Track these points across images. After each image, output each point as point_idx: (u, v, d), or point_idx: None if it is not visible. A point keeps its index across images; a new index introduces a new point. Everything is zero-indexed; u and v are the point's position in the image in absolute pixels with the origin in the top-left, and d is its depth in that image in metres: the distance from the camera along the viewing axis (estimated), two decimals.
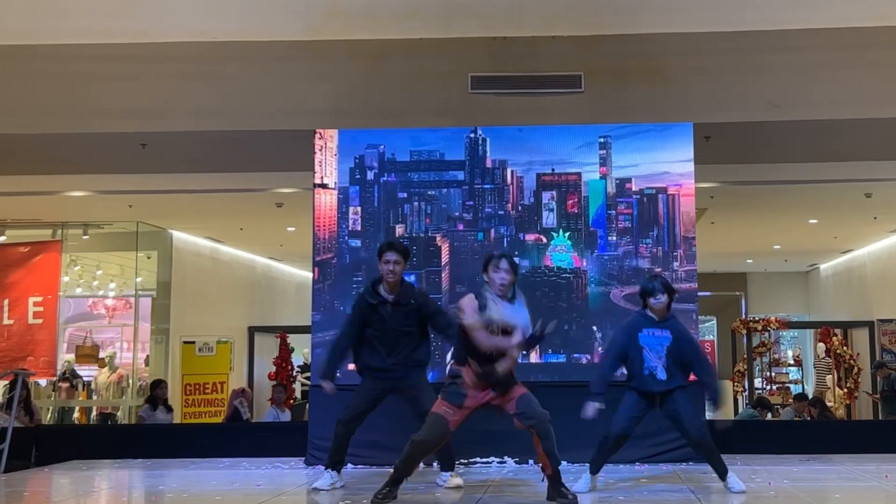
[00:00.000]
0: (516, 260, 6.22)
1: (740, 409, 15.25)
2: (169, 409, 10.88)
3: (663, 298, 6.26)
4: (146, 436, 9.36)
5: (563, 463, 7.49)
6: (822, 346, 16.68)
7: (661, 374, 6.19)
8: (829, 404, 13.53)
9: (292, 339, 15.08)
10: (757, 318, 16.59)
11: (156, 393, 10.79)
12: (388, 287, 6.57)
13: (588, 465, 6.42)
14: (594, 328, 8.10)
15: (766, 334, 16.35)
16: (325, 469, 6.68)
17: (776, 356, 17.95)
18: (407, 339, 6.58)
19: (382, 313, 6.55)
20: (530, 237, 8.24)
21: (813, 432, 8.92)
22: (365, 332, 6.61)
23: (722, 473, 6.16)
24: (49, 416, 13.08)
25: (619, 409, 6.27)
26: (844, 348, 16.40)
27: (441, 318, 6.61)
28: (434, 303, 6.96)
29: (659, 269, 7.83)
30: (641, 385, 6.23)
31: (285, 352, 14.66)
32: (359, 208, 8.35)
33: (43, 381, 12.56)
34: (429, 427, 5.79)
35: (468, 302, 5.70)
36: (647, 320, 6.30)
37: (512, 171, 8.33)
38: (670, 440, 7.70)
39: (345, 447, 6.66)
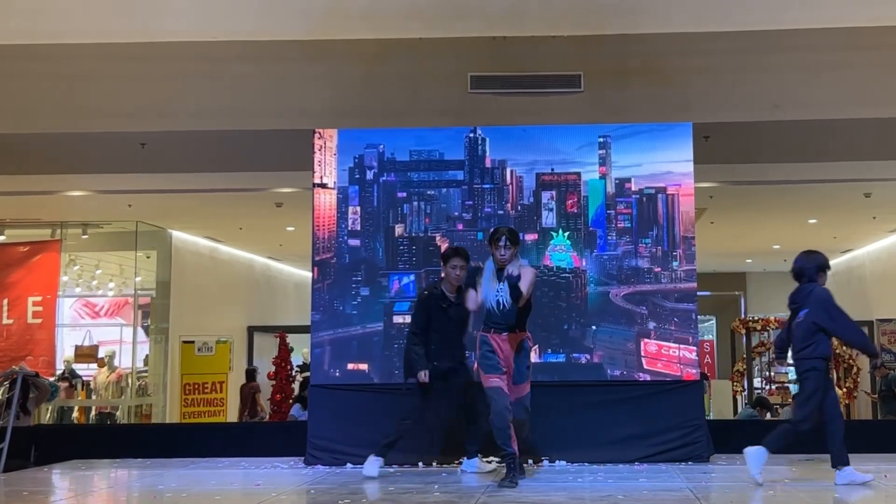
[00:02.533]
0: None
1: (740, 409, 15.26)
2: None
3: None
4: (145, 436, 9.36)
5: (563, 463, 7.58)
6: None
7: None
8: None
9: (291, 339, 15.06)
10: (756, 318, 16.60)
11: (305, 394, 10.79)
12: (450, 289, 7.24)
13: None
14: (593, 328, 8.09)
15: (766, 334, 16.35)
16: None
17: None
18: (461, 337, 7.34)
19: (449, 313, 7.22)
20: (530, 237, 8.24)
21: (812, 432, 8.90)
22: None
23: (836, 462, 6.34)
24: (48, 415, 13.08)
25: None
26: (843, 348, 16.39)
27: None
28: None
29: None
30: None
31: (284, 351, 14.65)
32: (358, 208, 8.35)
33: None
34: None
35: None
36: None
37: (511, 171, 8.32)
38: (670, 440, 7.73)
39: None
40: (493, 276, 6.69)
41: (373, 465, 7.01)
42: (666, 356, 7.99)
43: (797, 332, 6.47)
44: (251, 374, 13.86)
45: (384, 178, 8.38)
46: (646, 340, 7.99)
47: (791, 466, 7.24)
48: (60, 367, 12.92)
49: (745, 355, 16.29)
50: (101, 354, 13.76)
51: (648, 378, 7.97)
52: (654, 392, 7.91)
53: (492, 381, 6.57)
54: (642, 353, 7.98)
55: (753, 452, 6.29)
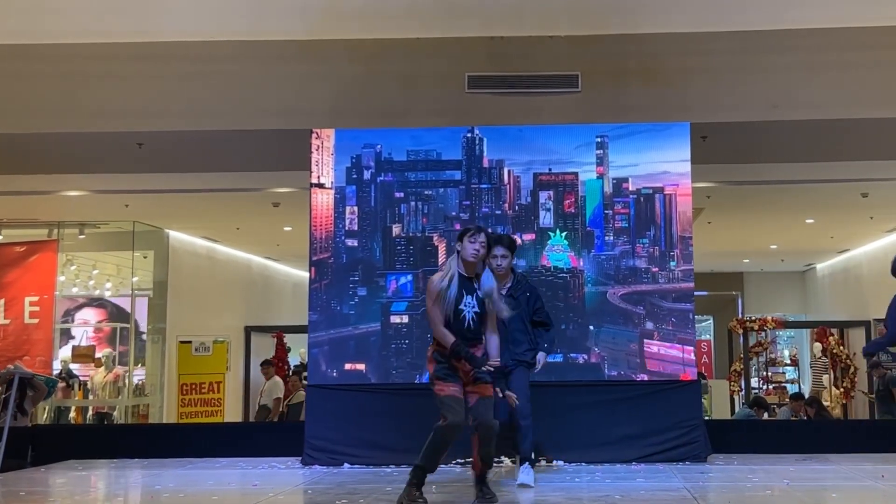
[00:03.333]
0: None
1: (737, 409, 15.27)
2: None
3: None
4: (142, 436, 9.35)
5: (560, 462, 7.58)
6: (818, 345, 16.71)
7: None
8: (825, 404, 13.56)
9: (289, 339, 15.07)
10: (754, 318, 16.61)
11: None
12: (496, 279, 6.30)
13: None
14: (591, 328, 8.09)
15: (763, 334, 16.38)
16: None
17: (773, 356, 17.98)
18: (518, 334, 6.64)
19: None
20: (527, 237, 8.23)
21: (809, 432, 8.94)
22: None
23: None
24: (45, 415, 13.05)
25: None
26: (841, 348, 16.43)
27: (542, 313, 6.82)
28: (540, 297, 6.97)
29: None
30: None
31: (282, 351, 14.66)
32: (355, 208, 8.34)
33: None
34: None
35: (429, 285, 5.63)
36: None
37: (509, 171, 8.32)
38: (667, 440, 7.73)
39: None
40: (460, 285, 5.58)
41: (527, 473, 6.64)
42: (663, 356, 7.99)
43: None
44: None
45: (381, 178, 8.37)
46: (647, 341, 7.99)
47: (789, 466, 7.25)
48: (57, 368, 12.90)
49: (742, 355, 16.29)
50: (98, 355, 13.75)
51: (646, 378, 7.97)
52: (652, 392, 7.92)
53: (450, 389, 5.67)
54: (644, 354, 7.98)
55: None
